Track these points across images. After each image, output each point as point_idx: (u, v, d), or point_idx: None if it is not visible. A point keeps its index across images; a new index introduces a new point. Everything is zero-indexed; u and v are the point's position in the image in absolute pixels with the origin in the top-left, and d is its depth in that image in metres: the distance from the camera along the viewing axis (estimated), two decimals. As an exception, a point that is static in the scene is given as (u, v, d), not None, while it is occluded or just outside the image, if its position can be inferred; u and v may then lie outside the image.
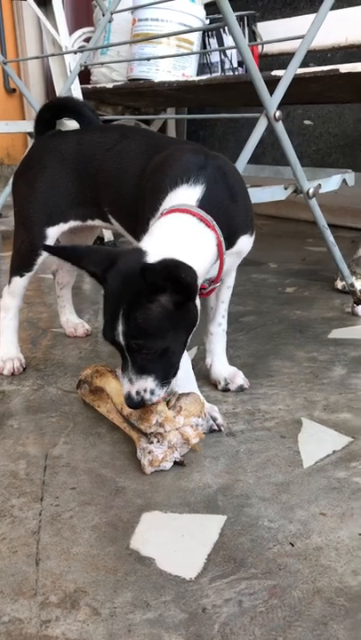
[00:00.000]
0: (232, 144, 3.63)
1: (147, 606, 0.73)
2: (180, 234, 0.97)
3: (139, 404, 0.95)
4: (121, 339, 0.93)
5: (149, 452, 0.98)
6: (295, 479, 0.97)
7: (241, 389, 1.28)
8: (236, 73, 2.81)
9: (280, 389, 1.29)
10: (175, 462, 1.00)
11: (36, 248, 1.28)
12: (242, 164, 1.36)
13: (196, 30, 2.56)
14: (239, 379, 1.28)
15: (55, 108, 1.34)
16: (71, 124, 1.44)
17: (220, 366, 1.29)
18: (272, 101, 1.35)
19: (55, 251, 1.03)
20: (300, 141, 3.24)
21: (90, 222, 1.29)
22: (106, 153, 1.22)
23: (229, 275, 1.23)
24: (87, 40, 3.29)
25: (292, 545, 0.82)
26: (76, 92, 2.55)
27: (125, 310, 0.90)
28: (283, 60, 2.81)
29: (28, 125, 3.15)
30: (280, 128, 1.39)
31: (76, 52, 2.57)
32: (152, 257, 0.92)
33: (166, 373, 0.96)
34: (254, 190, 1.45)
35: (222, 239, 1.02)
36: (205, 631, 0.69)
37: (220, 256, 1.03)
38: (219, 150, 1.38)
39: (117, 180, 1.20)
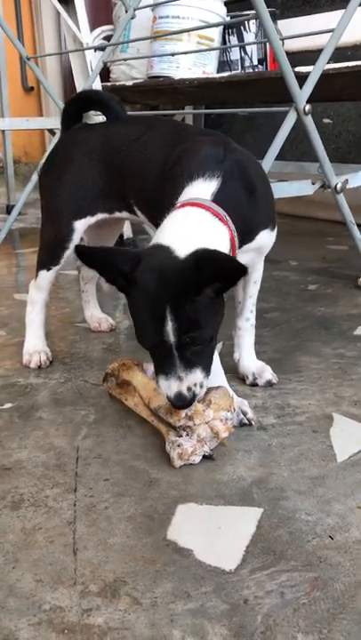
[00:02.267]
0: (250, 142, 3.62)
1: (187, 597, 0.72)
2: (196, 228, 0.95)
3: (191, 401, 0.93)
4: (171, 337, 0.89)
5: (179, 446, 0.97)
6: (330, 473, 0.96)
7: (269, 384, 1.27)
8: (257, 70, 2.80)
9: (309, 385, 1.28)
10: (204, 456, 0.99)
11: (64, 241, 1.28)
12: (270, 159, 1.35)
13: (217, 25, 2.55)
14: (267, 373, 1.27)
15: (81, 101, 1.35)
16: (98, 119, 1.44)
17: (249, 361, 1.28)
18: (302, 95, 1.34)
19: (82, 255, 0.97)
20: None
21: (117, 214, 1.29)
22: (132, 144, 1.22)
23: (255, 270, 1.23)
24: (106, 38, 3.29)
25: (332, 538, 0.81)
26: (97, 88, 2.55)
27: (173, 307, 0.87)
28: (302, 57, 2.80)
29: (48, 122, 3.16)
30: (309, 122, 1.38)
31: (95, 50, 2.57)
32: (180, 252, 0.90)
33: (209, 363, 0.95)
34: (281, 185, 1.44)
35: (235, 234, 1.00)
36: (249, 622, 0.68)
37: (233, 251, 1.02)
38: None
39: (142, 171, 1.19)
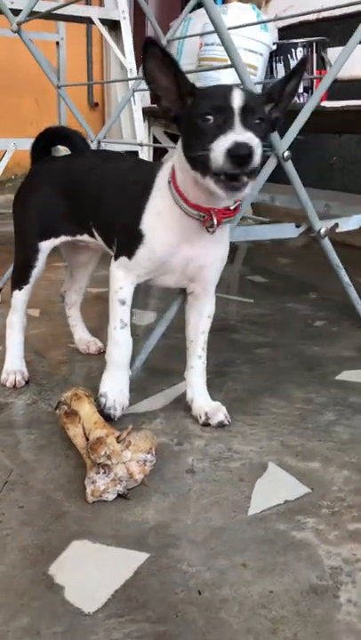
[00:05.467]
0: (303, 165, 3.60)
1: (37, 634, 0.76)
2: None
3: (250, 155, 0.94)
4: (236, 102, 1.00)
5: (93, 482, 1.01)
6: (233, 526, 0.98)
7: (221, 425, 1.28)
8: (301, 100, 2.80)
9: (260, 429, 1.28)
10: (119, 495, 1.03)
11: (31, 260, 1.40)
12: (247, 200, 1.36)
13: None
14: (221, 414, 1.29)
15: (48, 136, 1.49)
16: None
17: (202, 401, 1.30)
18: (281, 143, 1.36)
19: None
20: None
21: (78, 237, 1.40)
22: (89, 174, 1.35)
23: (207, 303, 1.28)
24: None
25: (200, 593, 0.83)
26: (138, 114, 2.64)
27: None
28: (352, 87, 2.77)
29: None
30: (289, 167, 1.39)
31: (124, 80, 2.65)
32: None
33: (260, 145, 0.99)
34: (263, 228, 1.46)
35: None
36: (79, 667, 0.71)
37: None
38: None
39: (98, 199, 1.31)
